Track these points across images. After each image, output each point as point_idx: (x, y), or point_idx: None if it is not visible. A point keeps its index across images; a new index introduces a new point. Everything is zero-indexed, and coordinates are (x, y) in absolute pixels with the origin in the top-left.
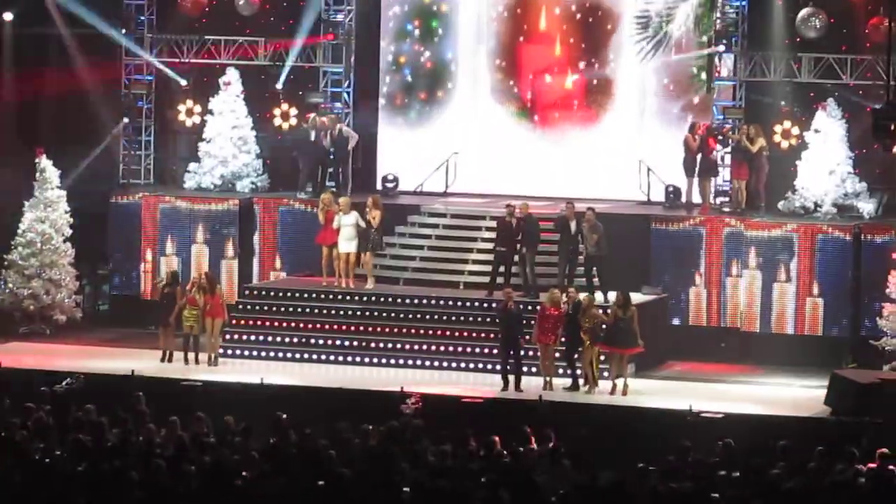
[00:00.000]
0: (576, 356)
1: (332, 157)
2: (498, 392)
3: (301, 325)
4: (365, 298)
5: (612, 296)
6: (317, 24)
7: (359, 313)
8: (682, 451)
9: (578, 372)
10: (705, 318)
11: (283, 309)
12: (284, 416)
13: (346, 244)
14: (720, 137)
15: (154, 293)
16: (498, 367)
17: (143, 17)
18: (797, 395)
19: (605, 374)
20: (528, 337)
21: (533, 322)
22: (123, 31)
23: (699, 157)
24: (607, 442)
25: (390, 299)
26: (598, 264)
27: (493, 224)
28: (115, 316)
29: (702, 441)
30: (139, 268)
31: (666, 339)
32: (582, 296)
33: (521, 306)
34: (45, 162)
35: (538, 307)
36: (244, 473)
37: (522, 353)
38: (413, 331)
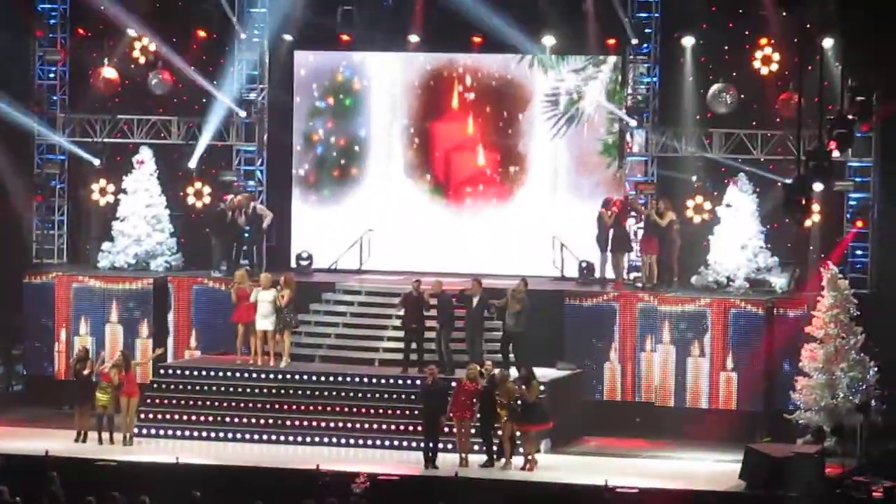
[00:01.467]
0: (492, 433)
1: (246, 235)
2: (419, 469)
3: (216, 403)
4: (280, 376)
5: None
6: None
7: (274, 391)
8: None
9: (494, 448)
10: (619, 393)
11: (198, 387)
12: (198, 494)
13: (263, 321)
14: (632, 213)
15: (68, 373)
16: (415, 444)
17: (55, 97)
18: (712, 469)
19: (521, 450)
20: (445, 414)
21: (451, 399)
22: (35, 111)
23: (612, 232)
24: None
25: (306, 377)
26: (515, 339)
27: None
28: (29, 396)
29: None
30: (53, 347)
31: (581, 414)
32: (497, 371)
33: (445, 383)
34: None
35: (453, 383)
36: None
37: (441, 429)
38: (329, 408)
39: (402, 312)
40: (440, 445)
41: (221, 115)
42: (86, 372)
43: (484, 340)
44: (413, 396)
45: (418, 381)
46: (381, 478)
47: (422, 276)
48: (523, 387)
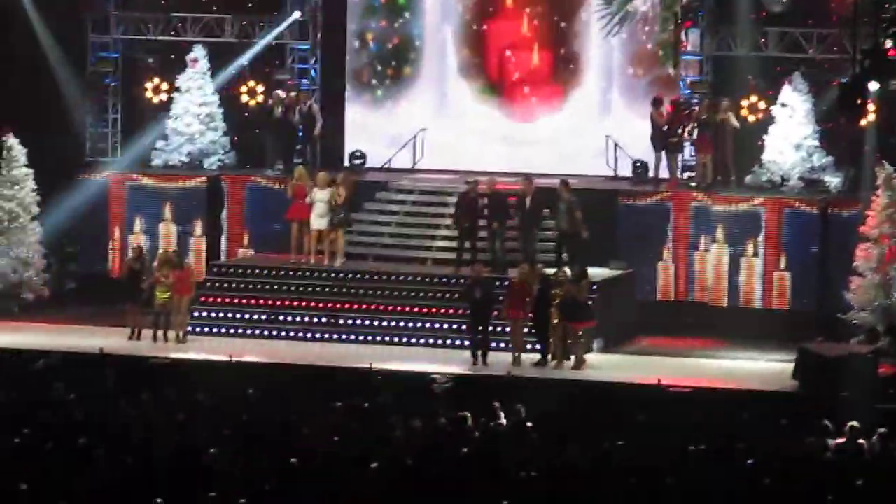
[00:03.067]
0: (545, 331)
1: (300, 133)
2: (467, 368)
3: (269, 301)
4: (334, 275)
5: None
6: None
7: (328, 290)
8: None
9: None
10: (673, 292)
11: (251, 286)
12: (251, 391)
13: (318, 220)
14: (686, 111)
15: (122, 271)
16: (467, 342)
17: None
18: (765, 369)
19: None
20: (497, 312)
21: (502, 297)
22: (87, 10)
23: (665, 131)
24: (576, 417)
25: (359, 276)
26: (569, 240)
27: (455, 201)
28: (83, 294)
29: (670, 415)
30: (107, 245)
31: (634, 314)
32: (551, 271)
33: (491, 281)
34: (11, 140)
35: (507, 282)
36: (213, 451)
37: (491, 328)
38: (382, 307)
39: (455, 211)
40: (493, 344)
41: (276, 13)
42: (138, 270)
43: (538, 240)
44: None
45: (464, 280)
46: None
47: (475, 176)
48: (573, 285)
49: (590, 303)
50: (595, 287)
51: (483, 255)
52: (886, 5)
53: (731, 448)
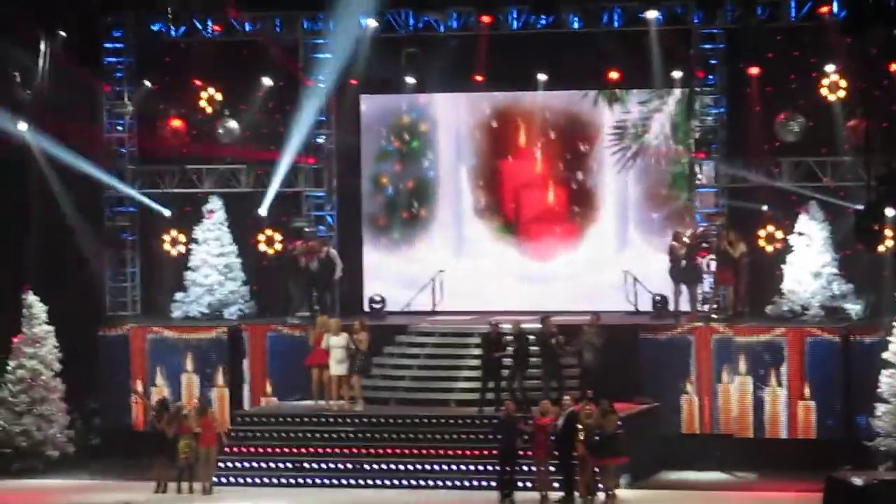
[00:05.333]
0: (571, 469)
1: (319, 280)
2: None
3: (294, 449)
4: (357, 420)
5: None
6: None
7: (351, 435)
8: None
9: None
10: (698, 425)
11: (275, 434)
12: None
13: (337, 366)
14: (704, 245)
15: (145, 424)
16: (493, 483)
17: (123, 149)
18: (795, 500)
19: (601, 485)
20: (525, 451)
21: (527, 436)
22: (104, 165)
23: (684, 264)
24: None
25: (382, 420)
26: (593, 375)
27: (480, 341)
28: (107, 449)
29: None
30: (129, 399)
31: (659, 448)
32: (575, 406)
33: (517, 420)
34: (31, 298)
35: (531, 421)
36: None
37: (517, 466)
38: (407, 450)
39: (479, 352)
40: (520, 483)
41: (290, 161)
42: (162, 423)
43: (562, 377)
44: (490, 436)
45: (495, 420)
46: None
47: (494, 316)
48: (602, 420)
49: (619, 438)
50: (621, 422)
51: (505, 394)
52: None
53: None
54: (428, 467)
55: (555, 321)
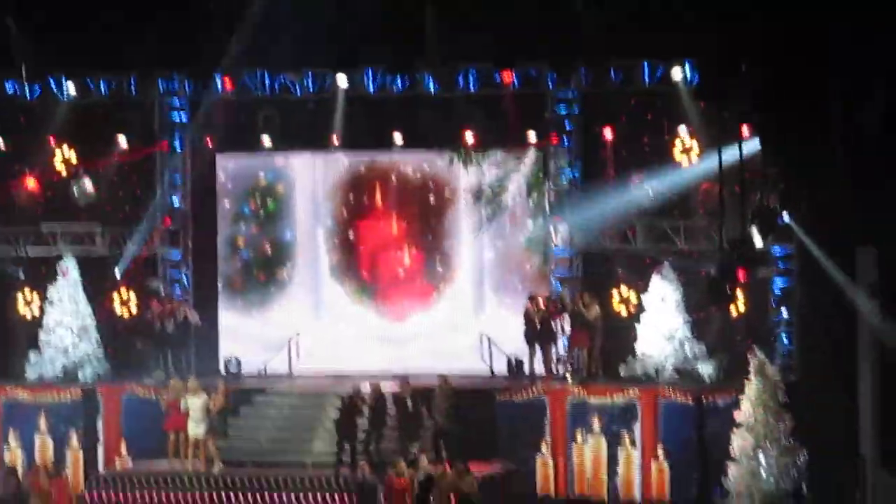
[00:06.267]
0: None
1: (174, 342)
2: None
3: None
4: (213, 481)
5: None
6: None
7: (207, 496)
8: None
9: None
10: (552, 487)
11: (130, 495)
12: None
13: (195, 427)
14: (559, 306)
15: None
16: None
17: None
18: None
19: None
20: None
21: (383, 496)
22: None
23: (540, 326)
24: None
25: (239, 481)
26: (446, 436)
27: (339, 402)
28: None
29: None
30: None
31: None
32: (431, 467)
33: (373, 483)
34: None
35: (386, 482)
36: None
37: None
38: None
39: (336, 416)
40: None
41: (146, 223)
42: (16, 484)
43: (419, 438)
44: (346, 495)
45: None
46: None
47: (351, 377)
48: (459, 481)
49: (475, 499)
50: (477, 482)
51: (361, 456)
52: (753, 196)
53: None
54: None
55: (412, 383)
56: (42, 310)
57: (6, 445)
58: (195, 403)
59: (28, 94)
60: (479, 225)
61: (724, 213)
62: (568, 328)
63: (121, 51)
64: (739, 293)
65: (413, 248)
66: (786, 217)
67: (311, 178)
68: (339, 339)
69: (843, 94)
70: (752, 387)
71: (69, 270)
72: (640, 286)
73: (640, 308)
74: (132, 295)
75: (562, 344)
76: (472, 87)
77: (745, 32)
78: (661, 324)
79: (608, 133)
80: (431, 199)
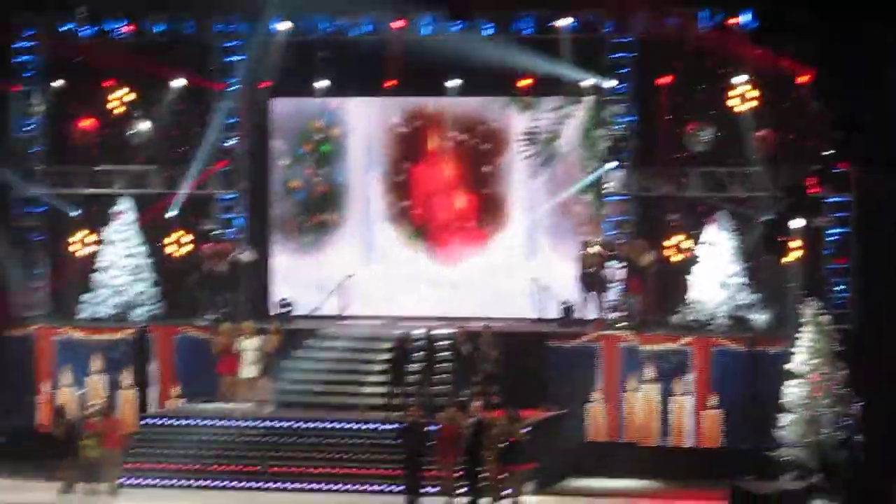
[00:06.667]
0: (477, 474)
1: (227, 283)
2: None
3: (201, 451)
4: (264, 424)
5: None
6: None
7: (258, 438)
8: None
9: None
10: (604, 433)
11: (182, 436)
12: None
13: (248, 369)
14: (611, 252)
15: (51, 425)
16: (400, 487)
17: (33, 149)
18: None
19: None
20: (430, 457)
21: (435, 442)
22: (12, 165)
23: (592, 272)
24: None
25: (289, 424)
26: (495, 381)
27: (390, 346)
28: (12, 449)
29: None
30: (35, 400)
31: (565, 455)
32: (482, 413)
33: (423, 426)
34: None
35: (437, 426)
36: None
37: (423, 471)
38: (313, 454)
39: (387, 357)
40: (425, 489)
41: (201, 163)
42: (67, 424)
43: (471, 384)
44: (397, 440)
45: (402, 425)
46: None
47: (403, 321)
48: (509, 427)
49: (526, 445)
50: (528, 429)
51: (412, 399)
52: (808, 143)
53: None
54: (334, 471)
55: (464, 327)
56: (96, 250)
57: (59, 385)
58: (248, 345)
59: (84, 35)
60: (533, 170)
61: (779, 161)
62: (621, 274)
63: None
64: (794, 241)
65: (466, 193)
66: (841, 165)
67: (365, 122)
68: (391, 282)
69: None
70: (805, 335)
71: (124, 211)
72: (694, 233)
73: (693, 255)
74: (186, 236)
75: (615, 290)
76: (528, 32)
77: None
78: (714, 271)
79: (664, 79)
80: (486, 143)
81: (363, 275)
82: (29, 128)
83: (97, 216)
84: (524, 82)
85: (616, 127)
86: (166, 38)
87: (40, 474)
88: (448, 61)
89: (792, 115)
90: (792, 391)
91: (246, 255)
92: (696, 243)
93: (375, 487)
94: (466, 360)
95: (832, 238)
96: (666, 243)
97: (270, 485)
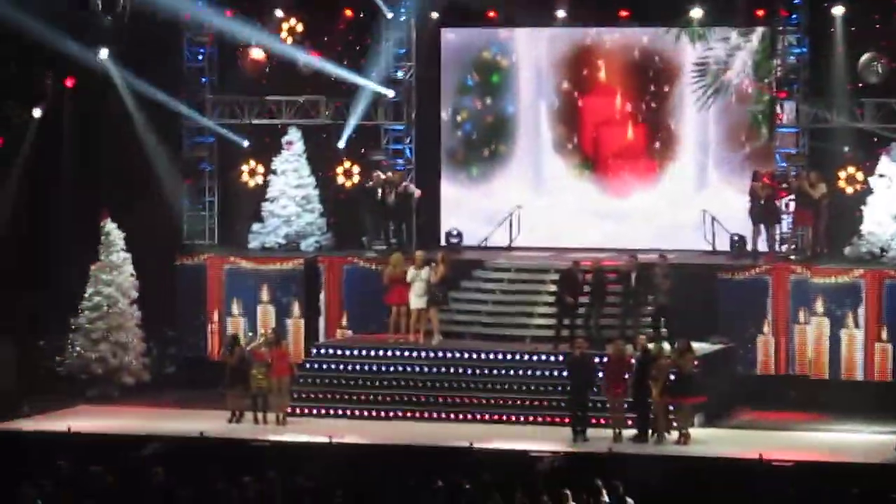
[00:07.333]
0: (645, 407)
1: (396, 213)
2: (568, 445)
3: (369, 382)
4: (432, 354)
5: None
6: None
7: (426, 369)
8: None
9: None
10: (773, 366)
11: (350, 366)
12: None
13: (417, 300)
14: (785, 185)
15: (220, 354)
16: (567, 419)
17: (203, 79)
18: (868, 441)
19: (675, 424)
20: (597, 388)
21: (602, 373)
22: (183, 95)
23: (763, 204)
24: (677, 493)
25: (457, 354)
26: (667, 314)
27: (558, 277)
28: (182, 378)
29: (772, 490)
30: (206, 329)
31: (735, 387)
32: (651, 345)
33: (591, 357)
34: (109, 225)
35: (605, 358)
36: None
37: (590, 404)
38: (481, 385)
39: (555, 288)
40: (592, 420)
41: (370, 94)
42: (237, 353)
43: (639, 316)
44: (565, 372)
45: (569, 357)
46: (534, 454)
47: (571, 252)
48: (679, 359)
49: (695, 377)
50: (697, 361)
51: (580, 331)
52: None
53: None
54: (501, 402)
55: (637, 258)
56: (266, 180)
57: (229, 314)
58: (417, 275)
59: None
60: (704, 101)
61: None
62: (793, 207)
63: None
64: None
65: (636, 124)
66: None
67: (534, 53)
68: (559, 213)
69: None
70: None
71: (293, 141)
72: (868, 165)
73: (867, 188)
74: (355, 166)
75: (786, 223)
76: None
77: None
78: (888, 204)
79: (838, 9)
80: (656, 74)
81: (532, 206)
82: (200, 58)
83: (266, 147)
84: (696, 13)
85: (789, 58)
86: None
87: (209, 403)
88: None
89: None
90: None
91: (413, 189)
92: (869, 176)
93: (542, 419)
94: (634, 291)
95: None
96: (839, 175)
97: (438, 415)
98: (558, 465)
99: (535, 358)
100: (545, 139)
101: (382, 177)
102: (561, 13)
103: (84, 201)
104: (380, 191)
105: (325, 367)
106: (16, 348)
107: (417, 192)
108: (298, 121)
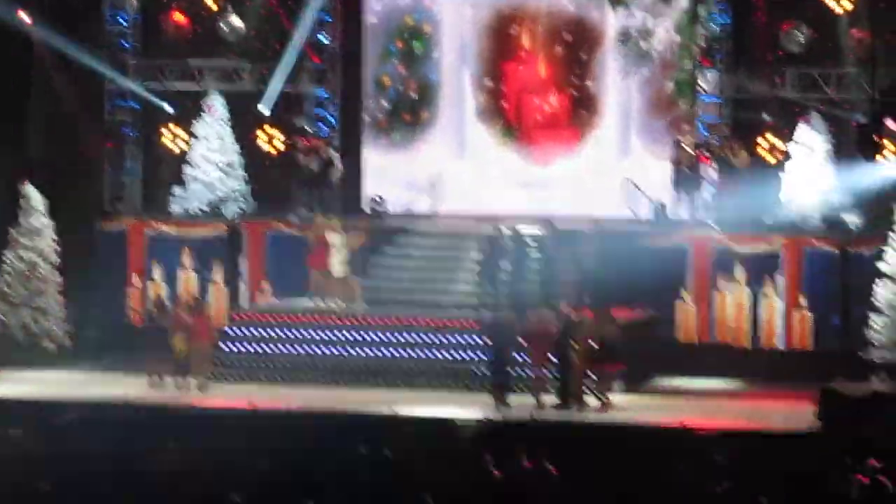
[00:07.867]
0: (566, 373)
1: (319, 180)
2: (490, 411)
3: (290, 347)
4: (354, 320)
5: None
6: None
7: (348, 333)
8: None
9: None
10: (694, 333)
11: (272, 332)
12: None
13: (338, 264)
14: (706, 152)
15: (142, 319)
16: (488, 385)
17: (126, 43)
18: (788, 409)
19: (595, 391)
20: (519, 354)
21: (524, 340)
22: (106, 59)
23: (686, 172)
24: (599, 459)
25: (379, 320)
26: (587, 281)
27: (480, 244)
28: (104, 343)
29: (694, 457)
30: (127, 294)
31: (654, 355)
32: (572, 312)
33: (513, 324)
34: (29, 189)
35: (526, 325)
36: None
37: (511, 369)
38: (403, 352)
39: (477, 257)
40: (513, 387)
41: (293, 60)
42: (158, 318)
43: (561, 283)
44: (486, 339)
45: (492, 323)
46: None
47: (494, 219)
48: (600, 327)
49: (616, 345)
50: (619, 329)
51: (503, 298)
52: None
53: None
54: (423, 367)
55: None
56: (188, 144)
57: (150, 279)
58: (339, 241)
59: None
60: (627, 69)
61: (875, 62)
62: (714, 175)
63: None
64: (888, 143)
65: (559, 91)
66: None
67: (458, 19)
68: (482, 180)
69: None
70: None
71: (216, 106)
72: (788, 134)
73: (787, 156)
74: (278, 132)
75: (707, 191)
76: None
77: None
78: (807, 173)
79: None
80: (578, 41)
81: (455, 172)
82: (123, 21)
83: (189, 111)
84: None
85: (711, 27)
86: None
87: (130, 368)
88: None
89: (889, 15)
90: (884, 292)
91: (334, 155)
92: (789, 144)
93: (464, 384)
94: (556, 259)
95: None
96: (759, 143)
97: (358, 379)
98: (476, 429)
99: (457, 324)
100: (468, 106)
101: (306, 143)
102: None
103: (4, 165)
104: (303, 158)
105: (246, 332)
106: None
107: (338, 163)
108: (221, 85)
